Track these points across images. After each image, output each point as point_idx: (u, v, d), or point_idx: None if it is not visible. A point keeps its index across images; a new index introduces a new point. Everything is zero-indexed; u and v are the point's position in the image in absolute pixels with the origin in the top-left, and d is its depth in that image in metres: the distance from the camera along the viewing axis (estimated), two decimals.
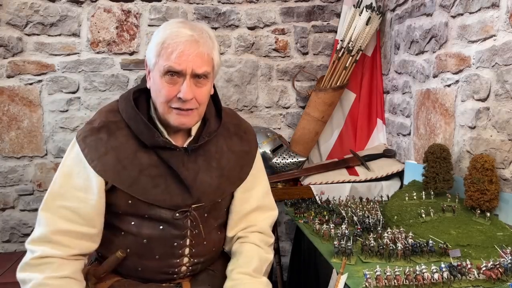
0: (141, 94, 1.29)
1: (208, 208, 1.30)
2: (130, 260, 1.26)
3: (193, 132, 1.30)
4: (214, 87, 1.32)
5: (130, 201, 1.22)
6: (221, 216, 1.38)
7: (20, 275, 1.17)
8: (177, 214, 1.24)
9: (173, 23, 1.22)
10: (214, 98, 1.36)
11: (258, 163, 1.43)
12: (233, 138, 1.37)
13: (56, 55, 2.54)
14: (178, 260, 1.28)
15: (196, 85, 1.19)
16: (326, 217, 1.91)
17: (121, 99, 1.29)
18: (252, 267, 1.29)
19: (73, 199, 1.19)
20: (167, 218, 1.24)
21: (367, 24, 2.42)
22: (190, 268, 1.31)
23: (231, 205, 1.39)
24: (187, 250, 1.28)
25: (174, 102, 1.19)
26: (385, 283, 1.18)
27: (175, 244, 1.26)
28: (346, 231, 1.59)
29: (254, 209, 1.40)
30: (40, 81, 2.53)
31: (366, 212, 1.83)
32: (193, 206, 1.25)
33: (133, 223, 1.25)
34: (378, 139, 2.62)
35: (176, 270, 1.29)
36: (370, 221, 1.70)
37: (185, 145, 1.27)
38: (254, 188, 1.41)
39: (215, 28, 2.66)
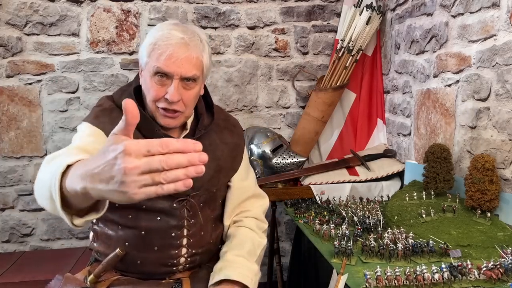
0: (137, 92, 1.35)
1: (204, 198, 1.34)
2: (130, 254, 1.28)
3: (188, 125, 1.36)
4: (205, 87, 1.39)
5: None
6: (217, 207, 1.43)
7: (35, 188, 1.02)
8: (175, 205, 1.27)
9: (166, 25, 1.27)
10: (205, 97, 1.43)
11: (246, 154, 1.52)
12: (224, 131, 1.44)
13: (55, 55, 2.53)
14: (176, 251, 1.30)
15: (184, 88, 1.24)
16: (326, 217, 1.91)
17: (116, 96, 1.36)
18: (246, 249, 1.34)
19: (89, 144, 1.18)
20: (164, 208, 1.27)
21: (367, 24, 2.42)
22: (189, 259, 1.33)
23: (228, 194, 1.45)
24: (185, 241, 1.31)
25: (161, 102, 1.24)
26: (386, 284, 1.18)
27: (173, 234, 1.29)
28: (346, 231, 1.58)
29: (249, 197, 1.48)
30: (39, 81, 2.53)
31: (367, 212, 1.83)
32: (190, 194, 1.30)
33: (130, 216, 1.27)
34: (378, 139, 2.61)
35: (175, 261, 1.30)
36: (371, 221, 1.69)
37: (181, 138, 1.32)
38: (248, 178, 1.49)
39: (215, 28, 2.66)
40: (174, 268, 1.32)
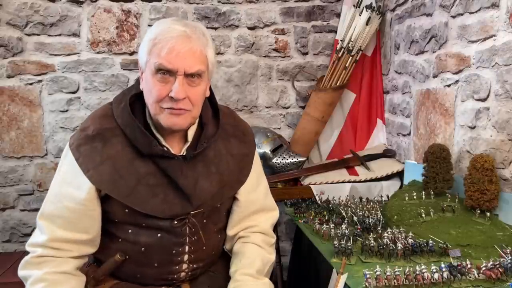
0: (137, 99, 1.23)
1: (207, 214, 1.28)
2: (129, 268, 1.25)
3: (190, 137, 1.25)
4: (210, 88, 1.28)
5: (126, 210, 1.19)
6: (221, 220, 1.36)
7: (21, 272, 1.17)
8: (175, 222, 1.21)
9: (166, 20, 1.19)
10: (211, 100, 1.32)
11: (257, 164, 1.41)
12: (231, 140, 1.33)
13: (56, 55, 2.54)
14: (177, 267, 1.26)
15: (189, 84, 1.14)
16: (326, 217, 1.91)
17: (115, 104, 1.23)
18: (255, 268, 1.28)
19: (66, 210, 1.17)
20: (165, 226, 1.22)
21: (367, 24, 2.42)
22: (190, 273, 1.30)
23: (234, 206, 1.37)
24: (186, 257, 1.27)
25: (166, 102, 1.13)
26: (385, 283, 1.18)
27: (174, 251, 1.24)
28: (346, 231, 1.59)
29: (257, 210, 1.39)
30: (40, 81, 2.53)
31: (366, 212, 1.83)
32: (191, 213, 1.22)
33: (130, 231, 1.22)
34: (378, 139, 2.62)
35: (175, 276, 1.28)
36: (370, 221, 1.70)
37: (182, 153, 1.23)
38: (257, 189, 1.39)
39: (215, 28, 2.66)
40: (174, 282, 1.29)
